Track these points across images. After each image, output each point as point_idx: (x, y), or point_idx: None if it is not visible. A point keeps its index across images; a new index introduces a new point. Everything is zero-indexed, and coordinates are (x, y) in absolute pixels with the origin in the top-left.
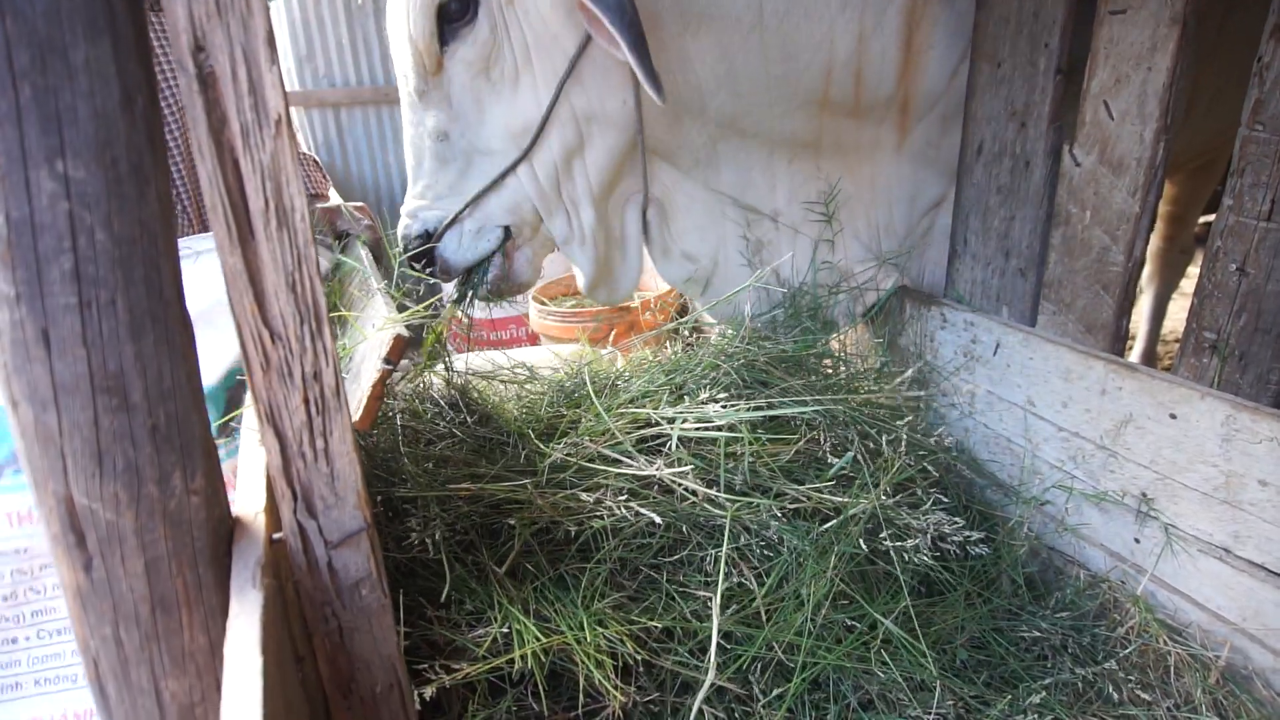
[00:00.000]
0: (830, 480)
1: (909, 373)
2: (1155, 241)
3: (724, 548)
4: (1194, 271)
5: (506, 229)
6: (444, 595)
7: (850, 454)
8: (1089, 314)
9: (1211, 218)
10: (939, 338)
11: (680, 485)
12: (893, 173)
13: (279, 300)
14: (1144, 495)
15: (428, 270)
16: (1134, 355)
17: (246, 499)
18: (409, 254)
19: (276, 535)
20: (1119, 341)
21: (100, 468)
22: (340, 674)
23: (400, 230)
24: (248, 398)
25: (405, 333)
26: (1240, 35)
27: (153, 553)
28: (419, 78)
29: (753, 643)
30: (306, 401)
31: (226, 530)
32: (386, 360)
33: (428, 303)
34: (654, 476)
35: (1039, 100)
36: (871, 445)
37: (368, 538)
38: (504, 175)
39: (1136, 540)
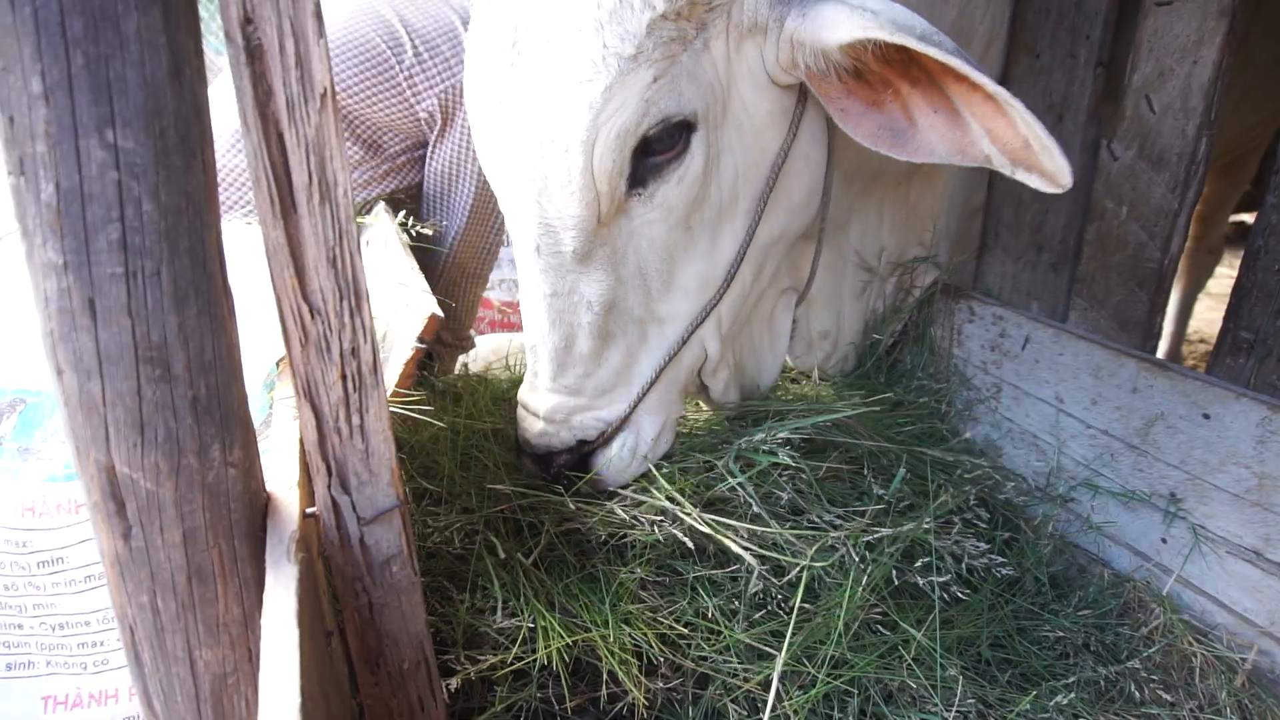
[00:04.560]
0: (883, 504)
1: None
2: (1185, 242)
3: (800, 587)
4: (1221, 272)
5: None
6: (471, 583)
7: (900, 474)
8: (1122, 310)
9: (1243, 217)
10: (966, 331)
11: (732, 537)
12: (957, 181)
13: (319, 275)
14: (1173, 495)
15: (565, 483)
16: (1157, 355)
17: (280, 473)
18: (554, 474)
19: (310, 510)
20: (1152, 339)
21: (142, 437)
22: (369, 649)
23: (534, 437)
24: (284, 369)
25: (439, 311)
26: (1273, 30)
27: (190, 523)
28: (583, 235)
29: (782, 650)
30: (344, 377)
31: (261, 503)
32: (420, 340)
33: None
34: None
35: (1078, 92)
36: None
37: (400, 515)
38: (686, 341)
39: (1163, 540)
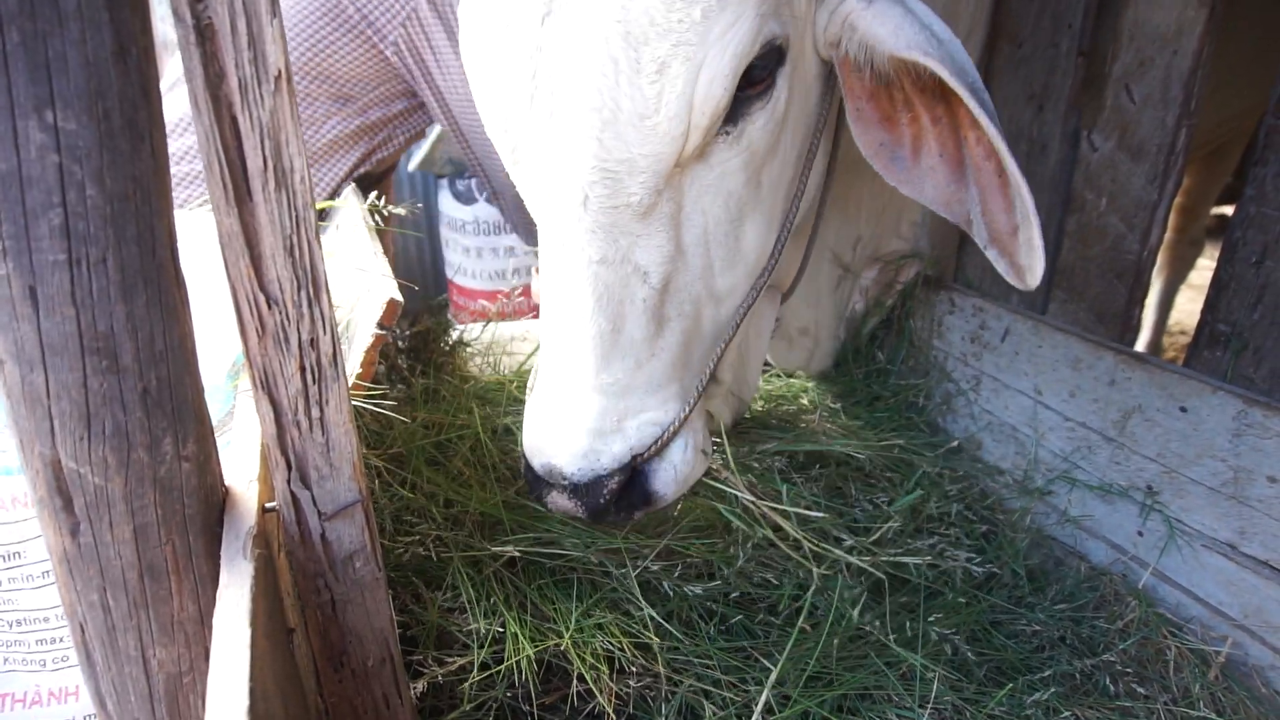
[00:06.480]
0: (892, 516)
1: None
2: (1165, 233)
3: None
4: (1203, 264)
5: None
6: (442, 582)
7: (913, 495)
8: (1101, 302)
9: (1226, 210)
10: (946, 323)
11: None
12: None
13: (276, 264)
14: (1149, 488)
15: (611, 518)
16: (1139, 347)
17: (241, 467)
18: (601, 508)
19: (269, 505)
20: (1130, 331)
21: (89, 430)
22: (332, 646)
23: (575, 460)
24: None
25: (399, 297)
26: (1250, 19)
27: (142, 519)
28: (655, 181)
29: (774, 670)
30: (303, 369)
31: (218, 498)
32: (380, 325)
33: None
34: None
35: (1059, 82)
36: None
37: (363, 510)
38: (739, 324)
39: (1140, 534)
